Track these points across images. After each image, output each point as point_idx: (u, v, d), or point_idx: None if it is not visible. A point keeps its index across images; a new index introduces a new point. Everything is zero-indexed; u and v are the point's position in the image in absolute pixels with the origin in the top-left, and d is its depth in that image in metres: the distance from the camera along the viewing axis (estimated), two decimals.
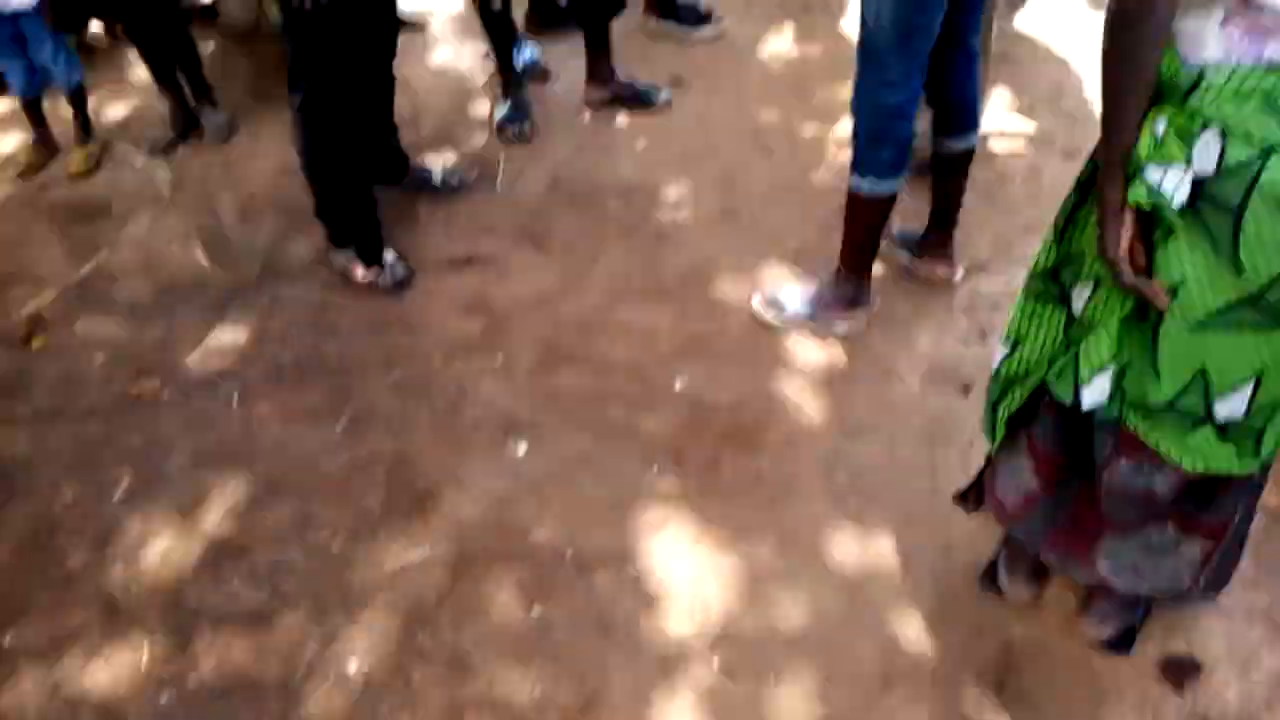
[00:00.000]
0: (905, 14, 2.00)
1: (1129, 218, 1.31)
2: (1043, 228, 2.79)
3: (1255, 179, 1.19)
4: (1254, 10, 1.18)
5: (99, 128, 3.45)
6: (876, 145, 2.19)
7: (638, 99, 3.38)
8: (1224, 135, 1.21)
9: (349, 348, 2.58)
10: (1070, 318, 1.52)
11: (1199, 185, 1.24)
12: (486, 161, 3.21)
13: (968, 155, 2.42)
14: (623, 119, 3.37)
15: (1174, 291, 1.31)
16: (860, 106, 2.19)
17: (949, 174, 2.45)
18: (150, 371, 2.56)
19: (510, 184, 3.11)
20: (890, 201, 2.31)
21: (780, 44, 3.74)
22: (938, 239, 2.59)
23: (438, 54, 3.79)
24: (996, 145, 3.12)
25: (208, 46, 3.86)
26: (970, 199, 2.90)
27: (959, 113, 2.33)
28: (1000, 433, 1.68)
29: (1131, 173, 1.28)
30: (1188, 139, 1.24)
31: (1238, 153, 1.20)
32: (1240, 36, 1.20)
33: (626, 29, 3.74)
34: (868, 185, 2.25)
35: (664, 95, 3.39)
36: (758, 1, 4.00)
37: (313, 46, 2.35)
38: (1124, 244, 1.32)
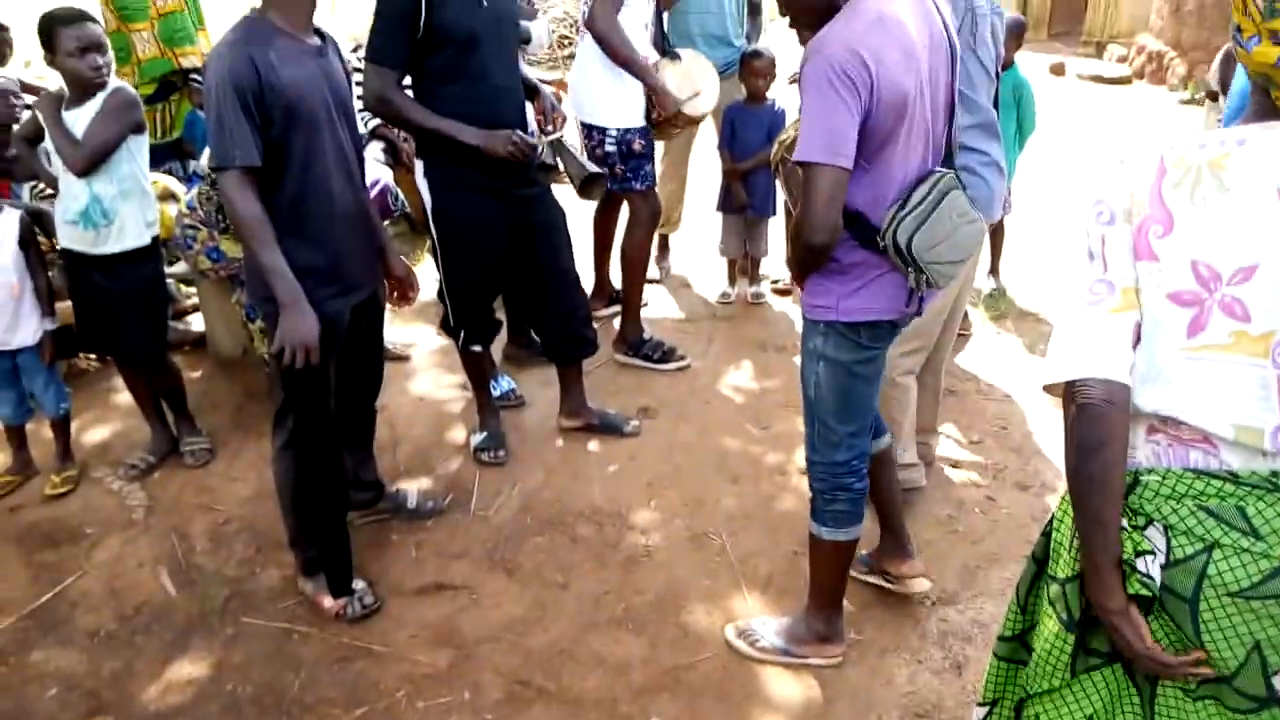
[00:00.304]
0: (843, 384, 2.22)
1: (1135, 612, 1.34)
2: (1005, 557, 2.90)
3: (1203, 572, 1.29)
4: (1169, 423, 1.33)
5: (80, 448, 3.52)
6: (832, 499, 2.34)
7: (608, 427, 3.54)
8: (1168, 532, 1.32)
9: (312, 682, 2.50)
10: None
11: (1161, 570, 1.33)
12: (461, 486, 3.29)
13: (884, 454, 2.57)
14: (594, 445, 3.52)
15: None
16: (812, 465, 2.35)
17: (876, 474, 2.55)
18: (104, 708, 2.44)
19: (483, 508, 3.17)
20: (852, 545, 2.41)
21: (740, 378, 4.00)
22: (892, 542, 2.67)
23: (419, 383, 3.99)
24: (953, 476, 3.28)
25: (196, 371, 4.05)
26: (932, 530, 3.01)
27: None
28: None
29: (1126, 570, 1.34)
30: (1141, 531, 1.34)
31: (1183, 548, 1.31)
32: (1166, 444, 1.35)
33: (599, 361, 4.00)
34: (828, 533, 2.37)
35: (632, 424, 3.57)
36: (717, 341, 4.33)
37: (300, 390, 2.48)
38: (1146, 636, 1.34)
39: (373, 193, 4.18)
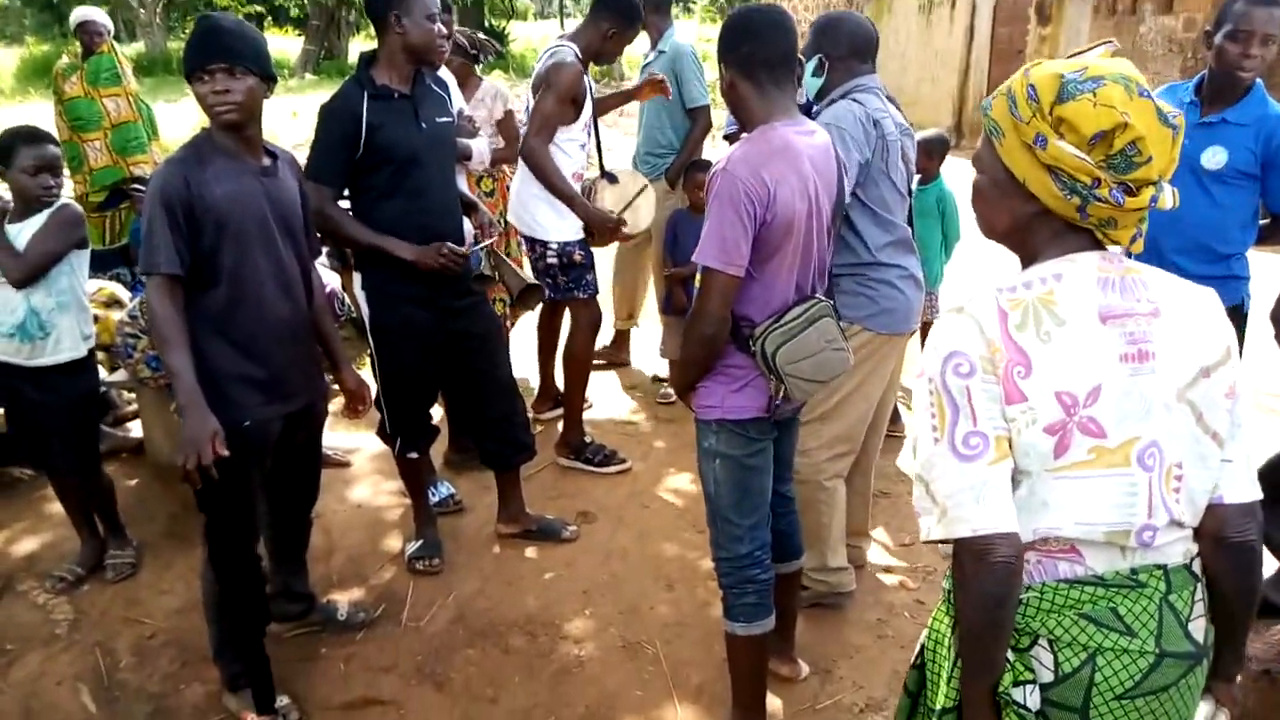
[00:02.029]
0: (739, 477, 2.37)
1: None
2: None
3: (1090, 681, 1.37)
4: (1046, 540, 1.40)
5: (7, 560, 3.46)
6: (741, 592, 2.43)
7: (546, 533, 3.56)
8: (1053, 645, 1.40)
9: None
10: None
11: (1043, 691, 1.40)
12: (394, 596, 3.27)
13: (794, 576, 2.69)
14: (531, 551, 3.52)
15: None
16: (719, 563, 2.47)
17: (783, 591, 2.63)
18: None
19: (416, 619, 3.14)
20: (764, 640, 2.47)
21: (680, 480, 4.04)
22: (780, 645, 2.74)
23: (358, 490, 3.99)
24: (884, 580, 3.32)
25: (133, 479, 4.02)
26: (862, 635, 3.04)
27: (780, 543, 2.59)
28: None
29: (1003, 702, 1.42)
30: (1023, 655, 1.42)
31: (1069, 660, 1.39)
32: (1037, 560, 1.42)
33: (540, 465, 4.03)
34: (740, 628, 2.44)
35: (570, 530, 3.59)
36: (660, 442, 4.38)
37: (213, 498, 2.45)
38: None
39: None
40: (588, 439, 4.17)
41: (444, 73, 3.57)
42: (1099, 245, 1.42)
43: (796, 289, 2.27)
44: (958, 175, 5.00)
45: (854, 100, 2.77)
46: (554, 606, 3.21)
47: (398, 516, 3.76)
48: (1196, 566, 1.44)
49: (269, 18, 29.40)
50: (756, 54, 2.21)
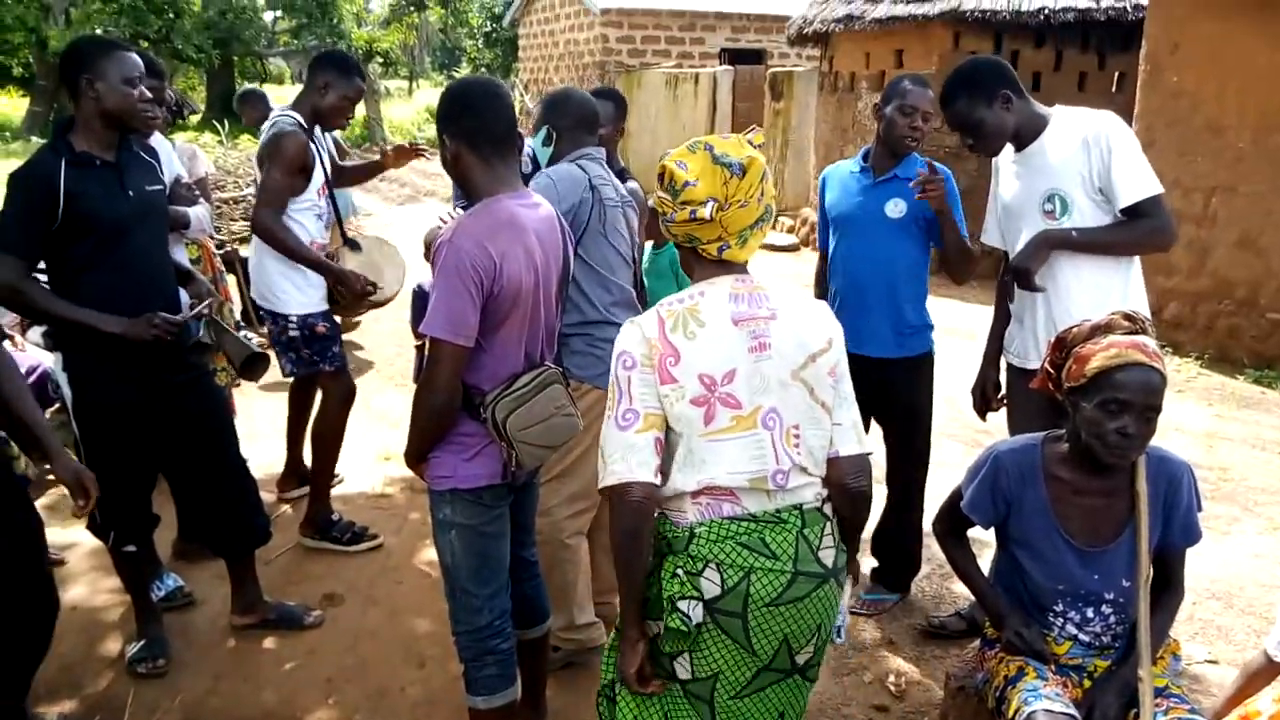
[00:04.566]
0: (477, 546, 2.36)
1: (642, 647, 1.90)
2: None
3: (747, 593, 1.82)
4: (708, 489, 1.85)
5: None
6: (481, 665, 2.40)
7: (286, 621, 3.36)
8: (719, 568, 1.83)
9: None
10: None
11: (711, 605, 1.83)
12: (112, 703, 2.97)
13: (541, 640, 2.71)
14: (270, 642, 3.31)
15: (715, 676, 1.88)
16: (458, 635, 2.42)
17: (531, 656, 2.66)
18: None
19: None
20: (509, 710, 2.44)
21: (433, 553, 3.92)
22: (531, 713, 2.73)
23: (73, 591, 3.61)
24: None
25: None
26: None
27: (526, 608, 2.60)
28: None
29: (666, 607, 1.85)
30: (695, 577, 1.83)
31: (731, 577, 1.82)
32: (707, 503, 1.87)
33: (283, 547, 3.82)
34: (482, 702, 2.41)
35: (314, 615, 3.41)
36: (414, 515, 4.27)
37: None
38: (638, 664, 1.89)
39: (31, 379, 3.86)
40: (336, 517, 4.00)
41: (158, 139, 3.39)
42: (738, 271, 1.92)
43: (526, 357, 2.30)
44: None
45: (578, 165, 2.88)
46: (294, 699, 3.02)
47: (117, 616, 3.44)
48: (828, 509, 1.94)
49: None
50: (480, 127, 2.24)
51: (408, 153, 4.12)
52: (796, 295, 1.97)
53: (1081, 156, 2.74)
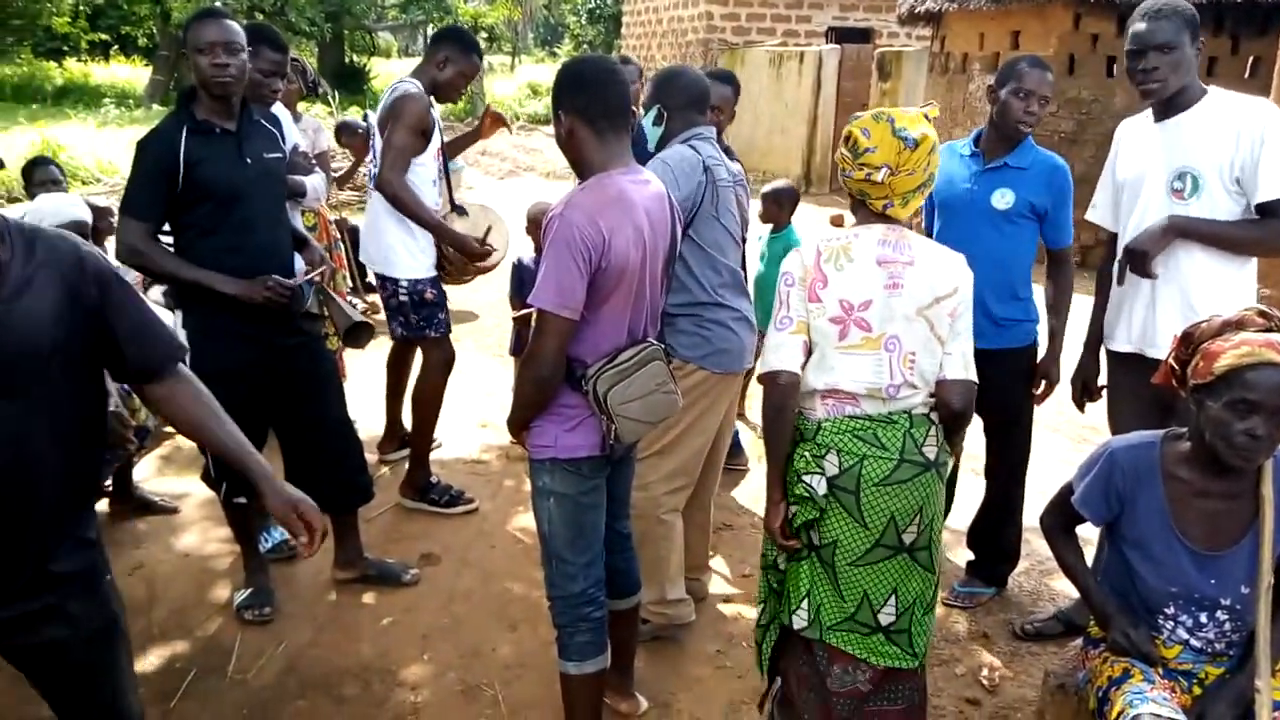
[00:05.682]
0: (574, 516, 2.38)
1: (784, 507, 2.27)
2: None
3: (859, 473, 2.19)
4: (833, 391, 2.23)
5: None
6: (574, 631, 2.44)
7: (385, 578, 3.46)
8: (838, 453, 2.21)
9: None
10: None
11: (831, 482, 2.21)
12: (220, 648, 3.11)
13: (631, 612, 2.72)
14: (369, 597, 3.42)
15: (835, 544, 2.23)
16: (553, 601, 2.46)
17: (620, 627, 2.68)
18: None
19: (242, 671, 3.00)
20: (599, 679, 2.48)
21: (529, 519, 4.00)
22: (619, 681, 2.76)
23: (184, 539, 3.79)
24: (724, 610, 3.37)
25: None
26: (700, 666, 3.08)
27: (617, 580, 2.63)
28: (765, 664, 2.46)
29: (794, 480, 2.25)
30: (819, 459, 2.22)
31: (847, 460, 2.20)
32: (833, 404, 2.25)
33: (383, 507, 3.93)
34: (574, 667, 2.44)
35: (411, 573, 3.50)
36: (508, 481, 4.35)
37: None
38: (779, 521, 2.27)
39: None
40: (434, 479, 4.09)
41: (280, 109, 3.50)
42: (891, 220, 2.25)
43: (629, 332, 2.31)
44: (808, 223, 5.21)
45: (690, 146, 2.87)
46: (390, 653, 3.11)
47: (227, 565, 3.59)
48: (934, 416, 2.26)
49: (115, 47, 28.17)
50: (595, 103, 2.25)
51: (498, 120, 4.22)
52: (936, 248, 2.30)
53: (1230, 142, 2.62)
